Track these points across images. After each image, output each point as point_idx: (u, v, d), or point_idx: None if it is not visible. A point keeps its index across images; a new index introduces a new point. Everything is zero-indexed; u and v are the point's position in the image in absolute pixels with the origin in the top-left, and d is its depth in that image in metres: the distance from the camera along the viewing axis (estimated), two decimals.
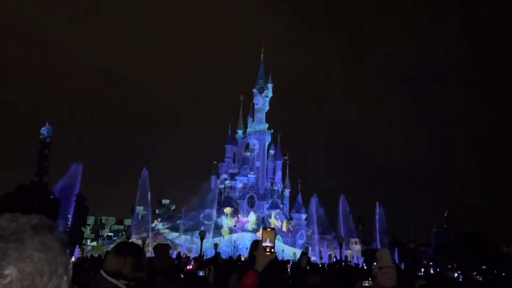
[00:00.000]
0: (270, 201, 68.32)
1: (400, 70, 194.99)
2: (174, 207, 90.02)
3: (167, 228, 68.00)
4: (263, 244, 3.17)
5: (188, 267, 16.16)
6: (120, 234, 79.94)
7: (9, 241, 1.03)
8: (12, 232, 1.05)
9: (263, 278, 3.17)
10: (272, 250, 3.18)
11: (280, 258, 33.97)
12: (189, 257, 33.06)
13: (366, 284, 6.09)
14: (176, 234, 65.15)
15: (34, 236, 1.06)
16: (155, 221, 70.55)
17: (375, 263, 5.29)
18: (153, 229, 65.79)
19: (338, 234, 61.24)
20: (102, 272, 3.32)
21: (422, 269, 26.60)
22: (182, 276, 12.27)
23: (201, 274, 9.35)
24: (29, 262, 1.02)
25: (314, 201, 67.01)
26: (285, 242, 63.46)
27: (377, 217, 70.23)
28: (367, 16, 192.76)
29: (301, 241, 64.38)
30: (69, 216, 56.02)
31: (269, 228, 3.28)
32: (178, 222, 68.69)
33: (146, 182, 59.37)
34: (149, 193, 60.82)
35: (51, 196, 51.88)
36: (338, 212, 66.76)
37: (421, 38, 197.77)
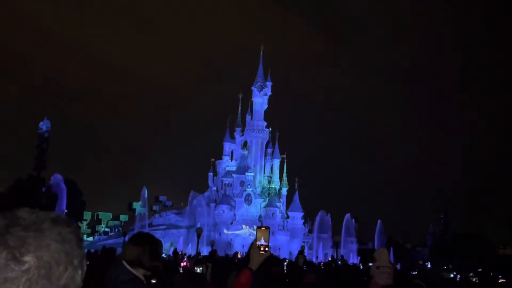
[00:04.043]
0: (267, 199, 68.40)
1: (401, 68, 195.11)
2: (171, 203, 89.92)
3: (164, 224, 68.10)
4: (258, 243, 3.19)
5: (182, 264, 16.18)
6: (116, 229, 80.00)
7: (29, 230, 1.05)
8: (32, 222, 1.07)
9: (257, 276, 3.18)
10: (267, 248, 3.20)
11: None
12: (185, 254, 33.15)
13: None
14: (173, 231, 65.26)
15: (53, 227, 1.09)
16: (152, 217, 70.71)
17: (370, 264, 5.29)
18: (150, 225, 65.93)
19: (335, 233, 61.45)
20: (123, 262, 3.36)
21: (417, 270, 26.83)
22: (181, 271, 12.27)
23: (198, 271, 9.31)
24: (47, 251, 1.04)
25: (319, 217, 67.16)
26: (281, 241, 63.55)
27: (377, 231, 70.35)
28: (367, 15, 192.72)
29: (297, 240, 64.47)
30: (65, 210, 56.10)
31: (263, 227, 3.30)
32: (175, 219, 68.80)
33: (145, 200, 60.73)
34: (146, 193, 61.36)
35: (48, 191, 52.00)
36: (336, 210, 67.15)
37: (420, 41, 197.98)
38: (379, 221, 71.21)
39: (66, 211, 56.37)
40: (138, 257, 3.38)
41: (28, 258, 1.02)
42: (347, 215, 67.49)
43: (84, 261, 1.14)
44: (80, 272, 1.11)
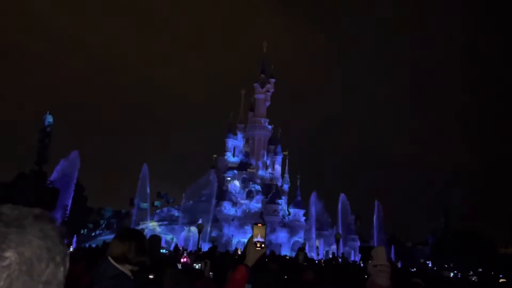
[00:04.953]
0: (268, 196, 68.37)
1: (401, 68, 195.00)
2: (173, 199, 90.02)
3: (165, 220, 68.12)
4: (254, 240, 3.22)
5: (182, 260, 16.23)
6: (115, 225, 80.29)
7: (11, 226, 1.05)
8: (14, 218, 1.07)
9: (253, 273, 3.20)
10: (263, 245, 3.23)
11: (277, 253, 33.95)
12: (186, 249, 33.22)
13: None
14: (175, 226, 65.29)
15: (35, 223, 1.08)
16: (154, 213, 70.76)
17: (370, 261, 5.28)
18: (151, 221, 66.02)
19: (336, 230, 61.47)
20: (109, 258, 3.39)
21: (415, 269, 26.92)
22: (180, 267, 12.32)
23: (197, 267, 9.35)
24: (28, 247, 1.04)
25: (313, 198, 67.26)
26: (283, 238, 63.60)
27: (375, 216, 70.40)
28: (368, 10, 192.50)
29: (298, 237, 64.52)
30: (69, 205, 56.25)
31: (260, 223, 3.33)
32: (176, 214, 68.83)
33: (146, 178, 60.50)
34: (148, 188, 61.49)
35: (50, 185, 52.09)
36: (337, 209, 67.02)
37: (422, 33, 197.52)
38: (376, 202, 71.28)
39: (69, 205, 56.54)
40: (124, 253, 3.41)
41: (9, 254, 1.01)
42: (342, 195, 67.46)
43: (67, 258, 1.13)
44: (62, 268, 1.10)
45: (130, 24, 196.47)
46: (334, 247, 54.24)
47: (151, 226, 64.06)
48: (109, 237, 57.03)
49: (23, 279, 1.01)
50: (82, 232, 70.55)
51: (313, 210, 66.74)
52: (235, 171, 70.72)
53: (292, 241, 63.77)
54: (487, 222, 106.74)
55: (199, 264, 8.25)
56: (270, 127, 73.09)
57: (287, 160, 73.91)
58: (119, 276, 3.31)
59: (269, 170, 73.65)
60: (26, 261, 1.02)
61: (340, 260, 28.40)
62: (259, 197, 68.52)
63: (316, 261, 25.87)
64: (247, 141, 73.97)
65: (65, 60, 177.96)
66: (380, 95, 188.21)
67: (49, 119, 59.26)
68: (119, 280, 3.28)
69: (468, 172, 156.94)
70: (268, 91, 73.21)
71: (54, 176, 54.00)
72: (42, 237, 1.07)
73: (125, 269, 3.37)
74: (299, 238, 64.12)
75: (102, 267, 3.40)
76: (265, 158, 73.14)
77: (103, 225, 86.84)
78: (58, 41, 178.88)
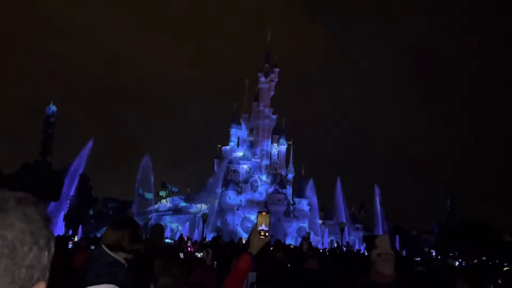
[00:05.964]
0: (273, 185, 68.48)
1: (402, 52, 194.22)
2: (177, 189, 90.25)
3: (170, 210, 68.41)
4: (258, 228, 3.22)
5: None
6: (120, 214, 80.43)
7: None
8: None
9: (257, 261, 3.21)
10: (267, 234, 3.22)
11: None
12: (191, 239, 33.37)
13: None
14: (179, 216, 65.56)
15: (18, 206, 1.06)
16: (159, 202, 71.00)
17: (373, 250, 5.26)
18: (156, 211, 66.27)
19: (340, 219, 61.64)
20: (103, 246, 3.40)
21: (419, 257, 27.05)
22: (182, 256, 12.35)
23: (199, 256, 9.36)
24: (11, 230, 1.02)
25: (310, 185, 67.45)
26: (287, 227, 63.79)
27: (377, 199, 70.39)
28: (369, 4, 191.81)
29: (303, 226, 64.70)
30: (71, 194, 56.51)
31: (264, 212, 3.32)
32: (181, 204, 69.09)
33: (148, 168, 60.48)
34: (152, 177, 61.50)
35: (63, 175, 52.55)
36: (337, 196, 67.06)
37: (424, 20, 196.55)
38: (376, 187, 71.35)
39: (72, 195, 56.76)
40: (118, 241, 3.43)
41: None
42: (338, 180, 67.72)
43: (52, 242, 1.10)
44: (47, 253, 1.08)
45: (135, 15, 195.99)
46: (340, 236, 54.38)
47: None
48: None
49: (5, 262, 1.00)
50: (87, 222, 70.91)
51: (314, 199, 66.93)
52: (240, 161, 70.76)
53: (296, 230, 63.98)
54: (493, 211, 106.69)
55: (202, 253, 8.26)
56: (274, 116, 72.90)
57: (291, 150, 73.92)
58: (113, 263, 3.32)
59: (274, 159, 73.70)
60: (9, 245, 1.00)
61: (344, 249, 28.45)
62: (264, 186, 68.66)
63: (321, 250, 25.92)
64: (251, 131, 73.88)
65: (67, 49, 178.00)
66: (383, 81, 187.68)
67: (53, 108, 59.31)
68: (113, 267, 3.30)
69: (474, 162, 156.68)
70: (272, 80, 72.93)
71: (75, 164, 54.49)
72: (25, 220, 1.05)
73: (119, 257, 3.39)
74: (304, 227, 64.33)
75: (96, 254, 3.42)
76: (269, 147, 73.13)
77: (108, 215, 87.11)
78: (58, 30, 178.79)
